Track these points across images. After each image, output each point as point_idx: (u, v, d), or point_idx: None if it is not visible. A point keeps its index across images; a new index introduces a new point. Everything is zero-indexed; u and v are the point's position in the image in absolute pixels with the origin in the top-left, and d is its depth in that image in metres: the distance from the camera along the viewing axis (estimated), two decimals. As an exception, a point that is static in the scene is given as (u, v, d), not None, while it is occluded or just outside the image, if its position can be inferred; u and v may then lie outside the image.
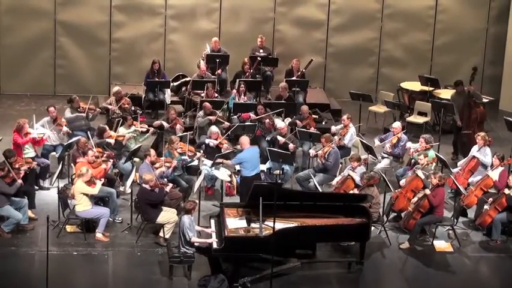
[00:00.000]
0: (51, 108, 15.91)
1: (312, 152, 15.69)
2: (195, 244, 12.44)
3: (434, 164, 14.90)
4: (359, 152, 16.01)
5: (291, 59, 19.34)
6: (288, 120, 17.07)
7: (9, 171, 13.51)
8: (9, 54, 20.21)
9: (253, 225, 12.66)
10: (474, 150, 15.27)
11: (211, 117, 16.66)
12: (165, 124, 16.33)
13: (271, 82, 19.65)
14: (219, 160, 14.81)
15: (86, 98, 17.20)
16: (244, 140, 14.95)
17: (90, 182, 13.53)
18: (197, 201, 13.03)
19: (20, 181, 13.56)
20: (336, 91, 20.95)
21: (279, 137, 15.90)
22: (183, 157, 14.86)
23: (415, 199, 13.92)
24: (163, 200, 13.57)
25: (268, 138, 16.26)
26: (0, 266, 12.69)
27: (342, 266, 13.01)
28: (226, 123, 16.83)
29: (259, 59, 18.98)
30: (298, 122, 16.78)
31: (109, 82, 20.39)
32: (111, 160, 14.72)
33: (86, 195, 13.41)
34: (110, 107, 17.11)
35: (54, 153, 15.79)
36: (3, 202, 13.35)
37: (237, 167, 15.23)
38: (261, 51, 19.44)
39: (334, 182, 14.74)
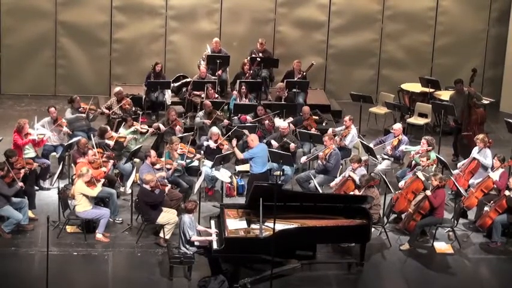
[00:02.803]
0: (52, 109, 15.91)
1: (303, 159, 15.68)
2: (195, 243, 12.45)
3: (434, 165, 14.90)
4: (359, 153, 16.01)
5: (292, 60, 19.35)
6: (288, 120, 17.04)
7: (8, 171, 13.51)
8: (10, 54, 20.21)
9: (253, 226, 12.67)
10: (474, 152, 15.26)
11: (206, 121, 16.65)
12: (162, 127, 16.28)
13: (270, 83, 19.67)
14: (235, 152, 14.84)
15: (87, 98, 17.23)
16: (253, 137, 14.88)
17: (90, 183, 13.53)
18: (197, 202, 13.04)
19: (20, 184, 13.56)
20: (336, 92, 20.95)
21: (273, 141, 15.77)
22: (180, 161, 14.83)
23: (416, 200, 13.92)
24: (163, 200, 13.58)
25: (264, 140, 16.21)
26: (0, 266, 12.70)
27: (342, 267, 13.01)
28: (226, 121, 16.88)
29: (258, 59, 18.99)
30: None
31: (109, 82, 20.40)
32: (112, 161, 14.72)
33: (86, 195, 13.42)
34: (106, 111, 17.10)
35: (54, 153, 15.79)
36: (3, 203, 13.35)
37: (240, 168, 15.25)
38: (260, 54, 19.40)
39: (334, 184, 14.73)
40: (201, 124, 16.76)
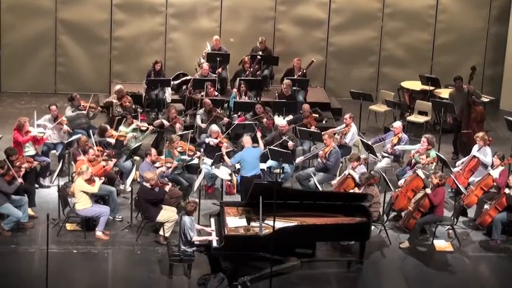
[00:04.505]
0: (53, 107, 15.90)
1: (299, 159, 15.66)
2: (196, 243, 12.44)
3: (434, 163, 14.90)
4: (359, 151, 16.01)
5: (292, 58, 19.34)
6: (287, 118, 17.02)
7: (9, 169, 13.51)
8: (10, 52, 20.21)
9: (253, 224, 12.67)
10: (474, 150, 15.26)
11: (202, 124, 16.64)
12: (166, 123, 16.34)
13: (270, 81, 19.66)
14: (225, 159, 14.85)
15: (87, 96, 17.23)
16: (246, 139, 14.96)
17: (90, 181, 13.53)
18: (197, 202, 13.04)
19: (20, 180, 13.56)
20: (336, 90, 20.95)
21: (261, 145, 15.65)
22: (182, 157, 14.86)
23: (415, 199, 13.92)
24: (163, 198, 13.57)
25: (261, 141, 16.16)
26: (0, 264, 12.70)
27: (342, 265, 13.02)
28: (226, 119, 16.89)
29: (259, 57, 18.99)
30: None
31: (109, 80, 20.40)
32: (114, 160, 14.70)
33: (86, 193, 13.42)
34: (114, 101, 17.08)
35: (54, 151, 15.79)
36: (3, 200, 13.35)
37: (237, 166, 15.26)
38: (260, 52, 19.39)
39: (334, 182, 14.73)
40: (199, 125, 16.78)
